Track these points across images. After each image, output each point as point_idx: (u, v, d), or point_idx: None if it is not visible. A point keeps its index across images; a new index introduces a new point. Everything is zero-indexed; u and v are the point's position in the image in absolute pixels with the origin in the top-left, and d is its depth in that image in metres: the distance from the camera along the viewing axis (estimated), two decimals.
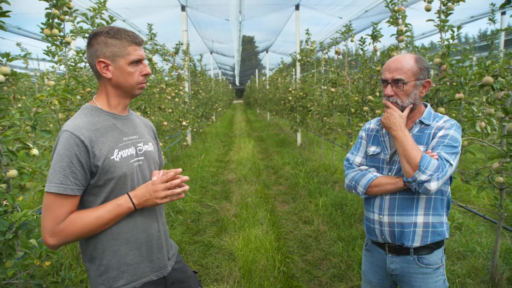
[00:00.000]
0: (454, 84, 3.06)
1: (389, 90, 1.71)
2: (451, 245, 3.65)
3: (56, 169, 1.31)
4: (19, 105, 6.94)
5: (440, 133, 1.65)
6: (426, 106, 1.80)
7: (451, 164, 1.57)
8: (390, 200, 1.71)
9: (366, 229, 1.86)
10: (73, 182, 1.32)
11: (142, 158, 1.52)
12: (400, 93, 1.69)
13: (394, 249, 1.73)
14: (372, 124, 1.95)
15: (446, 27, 3.26)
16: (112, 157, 1.39)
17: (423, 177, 1.52)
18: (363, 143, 1.92)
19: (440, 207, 1.69)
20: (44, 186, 2.78)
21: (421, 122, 1.72)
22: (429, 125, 1.70)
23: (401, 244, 1.70)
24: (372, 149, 1.84)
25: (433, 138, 1.66)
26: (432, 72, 3.49)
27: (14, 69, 2.42)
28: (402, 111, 1.71)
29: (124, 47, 1.42)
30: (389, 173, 1.74)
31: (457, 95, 2.98)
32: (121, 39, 1.42)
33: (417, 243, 1.67)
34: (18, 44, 9.21)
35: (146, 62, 1.53)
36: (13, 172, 2.16)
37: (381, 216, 1.73)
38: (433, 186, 1.52)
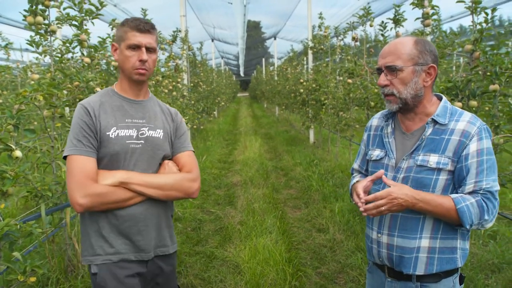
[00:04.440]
0: (488, 74, 3.02)
1: (382, 79, 1.58)
2: (484, 257, 3.62)
3: (71, 136, 1.64)
4: (0, 101, 6.99)
5: (473, 148, 1.49)
6: (440, 98, 1.64)
7: (496, 193, 1.50)
8: (391, 218, 1.60)
9: (366, 247, 1.80)
10: (86, 145, 1.62)
11: (142, 142, 1.73)
12: (395, 82, 1.55)
13: (394, 274, 1.64)
14: (376, 119, 1.82)
15: (478, 9, 3.22)
16: (107, 133, 1.66)
17: (474, 227, 1.50)
18: (361, 149, 1.89)
19: (453, 228, 1.55)
20: (28, 192, 2.83)
21: (435, 121, 1.56)
22: (445, 124, 1.54)
23: (400, 271, 1.60)
24: (376, 153, 1.72)
25: (458, 148, 1.50)
26: (462, 60, 3.45)
27: None
28: (402, 103, 1.56)
29: (125, 32, 1.69)
30: None
31: (492, 87, 2.95)
32: (125, 25, 1.70)
33: (420, 271, 1.56)
34: None
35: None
36: None
37: (379, 235, 1.65)
38: (488, 226, 1.51)
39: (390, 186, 1.49)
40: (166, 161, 1.80)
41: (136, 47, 1.68)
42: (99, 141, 1.65)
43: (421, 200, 1.46)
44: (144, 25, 1.69)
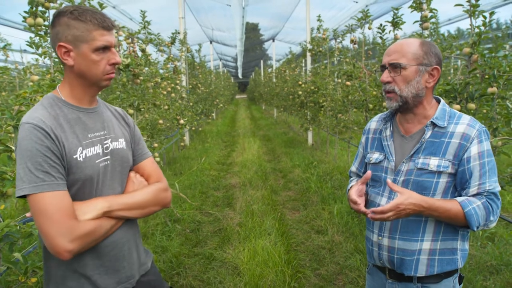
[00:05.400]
0: (486, 77, 3.04)
1: (385, 75, 1.59)
2: (483, 258, 3.63)
3: (31, 167, 1.25)
4: None
5: (474, 150, 1.51)
6: (438, 101, 1.66)
7: (498, 193, 1.52)
8: (393, 220, 1.59)
9: (366, 249, 1.81)
10: (57, 176, 1.29)
11: (109, 157, 1.49)
12: (398, 79, 1.56)
13: (395, 275, 1.66)
14: (374, 122, 1.83)
15: (477, 13, 3.24)
16: (75, 156, 1.36)
17: (480, 229, 1.52)
18: (359, 152, 1.90)
19: (454, 230, 1.58)
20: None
21: (434, 124, 1.57)
22: (444, 127, 1.56)
23: (402, 273, 1.62)
24: (375, 156, 1.72)
25: (459, 151, 1.52)
26: (460, 63, 3.47)
27: None
28: (402, 101, 1.57)
29: (89, 31, 1.36)
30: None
31: (490, 89, 2.97)
32: (85, 22, 1.35)
33: (421, 273, 1.58)
34: None
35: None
36: None
37: (380, 238, 1.65)
38: (492, 226, 1.53)
39: (393, 190, 1.50)
40: (131, 174, 1.60)
41: (105, 49, 1.40)
42: (66, 168, 1.34)
43: (429, 208, 1.47)
44: (108, 21, 1.40)
